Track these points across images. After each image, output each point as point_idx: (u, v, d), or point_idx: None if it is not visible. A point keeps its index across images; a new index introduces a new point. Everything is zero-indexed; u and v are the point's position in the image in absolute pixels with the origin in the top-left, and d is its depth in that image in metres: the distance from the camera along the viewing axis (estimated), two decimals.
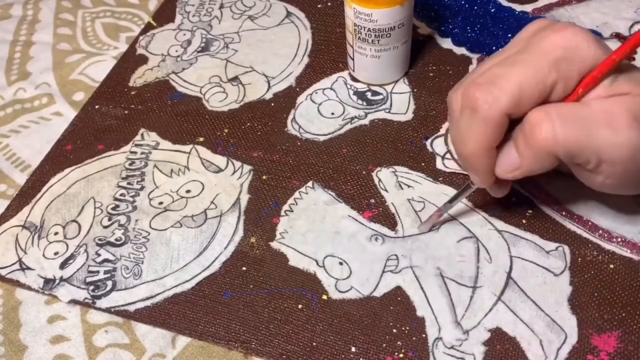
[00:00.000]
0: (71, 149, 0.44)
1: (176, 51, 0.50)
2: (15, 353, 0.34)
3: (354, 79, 0.46)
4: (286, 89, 0.46)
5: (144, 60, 0.50)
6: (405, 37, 0.42)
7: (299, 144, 0.42)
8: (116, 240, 0.38)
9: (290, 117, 0.44)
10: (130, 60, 0.50)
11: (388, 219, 0.37)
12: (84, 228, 0.39)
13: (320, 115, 0.44)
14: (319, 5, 0.52)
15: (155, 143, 0.43)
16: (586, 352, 0.31)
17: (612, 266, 0.34)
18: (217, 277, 0.36)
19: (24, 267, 0.37)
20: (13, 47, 0.53)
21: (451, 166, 0.40)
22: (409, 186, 0.39)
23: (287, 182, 0.40)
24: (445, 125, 0.42)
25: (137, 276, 0.36)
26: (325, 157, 0.41)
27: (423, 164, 0.40)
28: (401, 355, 0.32)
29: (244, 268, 0.36)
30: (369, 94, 0.45)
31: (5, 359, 0.34)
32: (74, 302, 0.36)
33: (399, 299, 0.34)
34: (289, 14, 0.52)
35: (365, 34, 0.41)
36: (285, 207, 0.39)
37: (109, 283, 0.36)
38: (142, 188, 0.41)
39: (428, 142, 0.41)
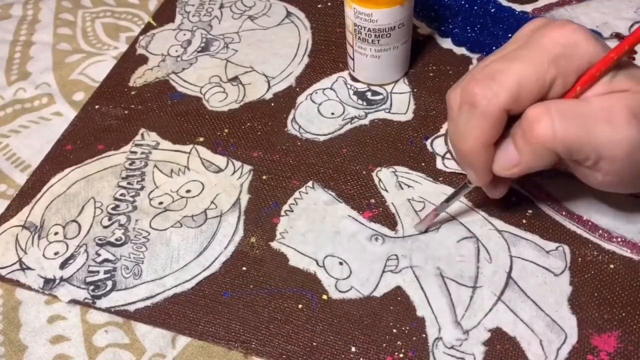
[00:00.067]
0: (71, 149, 0.44)
1: (176, 51, 0.50)
2: (15, 353, 0.34)
3: (354, 79, 0.46)
4: (286, 89, 0.46)
5: (144, 60, 0.50)
6: (405, 37, 0.42)
7: (299, 144, 0.42)
8: (116, 240, 0.38)
9: (290, 117, 0.44)
10: (130, 60, 0.50)
11: (388, 219, 0.37)
12: (84, 228, 0.39)
13: (320, 115, 0.44)
14: (319, 5, 0.52)
15: (155, 143, 0.43)
16: (586, 352, 0.31)
17: (612, 266, 0.34)
18: (217, 277, 0.36)
19: (24, 267, 0.37)
20: (13, 47, 0.53)
21: (451, 166, 0.40)
22: (409, 186, 0.39)
23: (287, 182, 0.40)
24: (445, 125, 0.42)
25: (137, 276, 0.36)
26: (325, 157, 0.41)
27: (423, 164, 0.40)
28: (401, 355, 0.32)
29: (244, 268, 0.36)
30: (369, 94, 0.45)
31: (5, 359, 0.34)
32: (74, 302, 0.36)
33: (399, 298, 0.34)
34: (289, 14, 0.52)
35: (365, 34, 0.41)
36: (286, 207, 0.39)
37: (109, 283, 0.36)
38: (142, 188, 0.41)
39: (428, 142, 0.41)
